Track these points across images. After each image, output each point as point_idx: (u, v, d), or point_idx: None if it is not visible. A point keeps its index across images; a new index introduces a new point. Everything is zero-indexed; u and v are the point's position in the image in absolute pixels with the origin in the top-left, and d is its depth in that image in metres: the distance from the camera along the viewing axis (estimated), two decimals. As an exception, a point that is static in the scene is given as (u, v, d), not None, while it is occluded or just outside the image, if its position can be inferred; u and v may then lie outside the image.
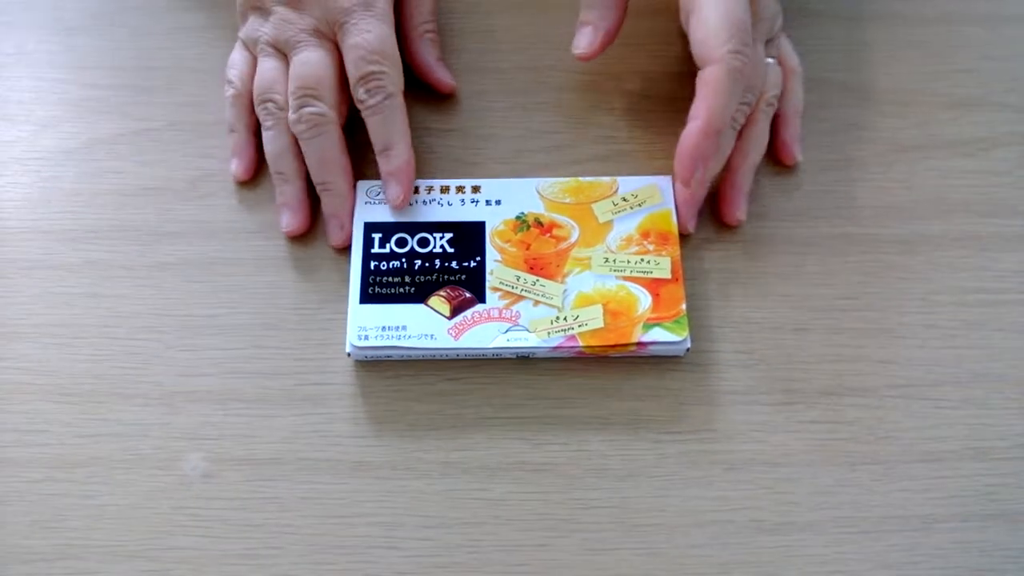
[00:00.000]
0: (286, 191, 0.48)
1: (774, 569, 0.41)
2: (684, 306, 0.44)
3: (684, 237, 0.47)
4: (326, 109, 0.47)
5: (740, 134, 0.47)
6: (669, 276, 0.45)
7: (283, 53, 0.48)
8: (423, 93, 0.52)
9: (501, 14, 0.55)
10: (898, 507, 0.42)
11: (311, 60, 0.47)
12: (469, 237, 0.46)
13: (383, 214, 0.47)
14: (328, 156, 0.47)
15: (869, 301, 0.46)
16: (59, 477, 0.43)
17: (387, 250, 0.46)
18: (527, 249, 0.46)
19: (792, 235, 0.48)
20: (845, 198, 0.49)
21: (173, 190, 0.50)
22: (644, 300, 0.44)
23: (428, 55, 0.51)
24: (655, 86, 0.52)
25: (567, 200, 0.47)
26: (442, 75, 0.51)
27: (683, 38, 0.50)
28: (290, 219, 0.48)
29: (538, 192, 0.47)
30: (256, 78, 0.49)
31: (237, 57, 0.51)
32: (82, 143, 0.51)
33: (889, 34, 0.54)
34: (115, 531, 0.42)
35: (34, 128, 0.52)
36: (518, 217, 0.47)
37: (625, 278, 0.45)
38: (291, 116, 0.47)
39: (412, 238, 0.46)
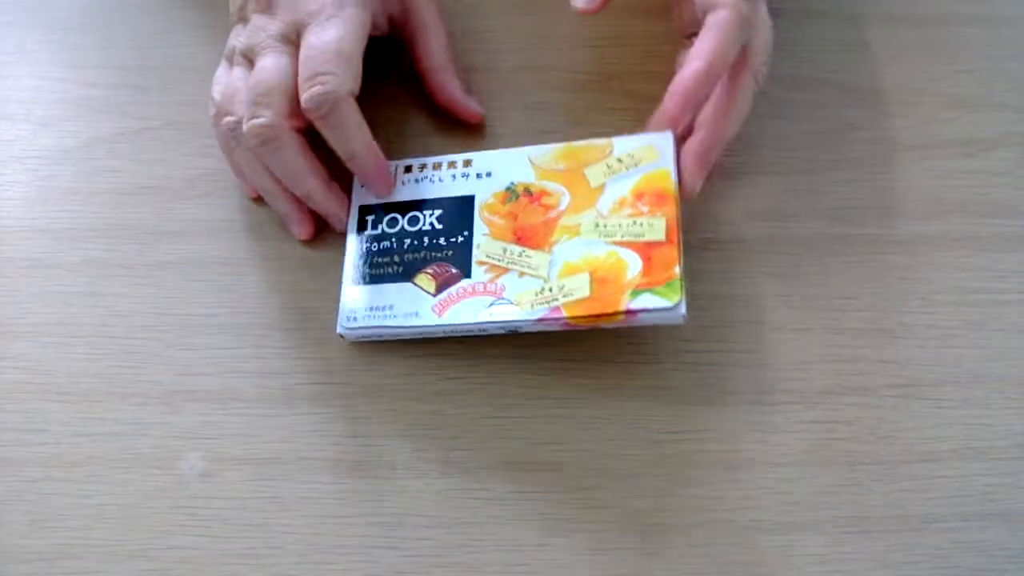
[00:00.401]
0: (279, 206, 0.47)
1: (773, 569, 0.41)
2: (678, 269, 0.41)
3: (687, 232, 0.46)
4: (274, 118, 0.44)
5: (726, 96, 0.45)
6: (663, 238, 0.42)
7: (252, 61, 0.46)
8: (422, 91, 0.52)
9: (501, 14, 0.55)
10: (897, 507, 0.42)
11: (267, 66, 0.45)
12: (458, 212, 0.45)
13: (375, 195, 0.47)
14: (291, 168, 0.45)
15: (869, 301, 0.46)
16: (57, 476, 0.43)
17: (379, 231, 0.46)
18: (515, 220, 0.45)
19: (792, 235, 0.48)
20: (845, 198, 0.49)
21: (171, 189, 0.49)
22: (634, 265, 0.42)
23: (452, 89, 0.50)
24: (655, 86, 0.52)
25: (559, 167, 0.46)
26: (469, 108, 0.50)
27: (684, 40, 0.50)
28: (299, 229, 0.47)
29: (530, 161, 0.46)
30: (222, 90, 0.47)
31: (220, 73, 0.48)
32: (81, 142, 0.51)
33: (889, 34, 0.54)
34: (114, 530, 0.42)
35: (33, 127, 0.51)
36: (508, 188, 0.46)
37: (616, 243, 0.43)
38: (244, 128, 0.44)
39: (403, 217, 0.46)
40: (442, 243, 0.45)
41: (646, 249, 0.42)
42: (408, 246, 0.45)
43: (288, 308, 0.46)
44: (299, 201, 0.47)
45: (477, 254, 0.44)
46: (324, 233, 0.48)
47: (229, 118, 0.45)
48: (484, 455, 0.43)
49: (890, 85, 0.52)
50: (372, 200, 0.47)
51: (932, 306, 0.46)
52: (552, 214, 0.44)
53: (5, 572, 0.41)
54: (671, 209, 0.43)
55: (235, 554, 0.42)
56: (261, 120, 0.44)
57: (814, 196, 0.49)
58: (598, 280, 0.42)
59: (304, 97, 0.43)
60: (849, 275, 0.47)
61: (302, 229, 0.47)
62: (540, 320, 0.42)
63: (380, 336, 0.44)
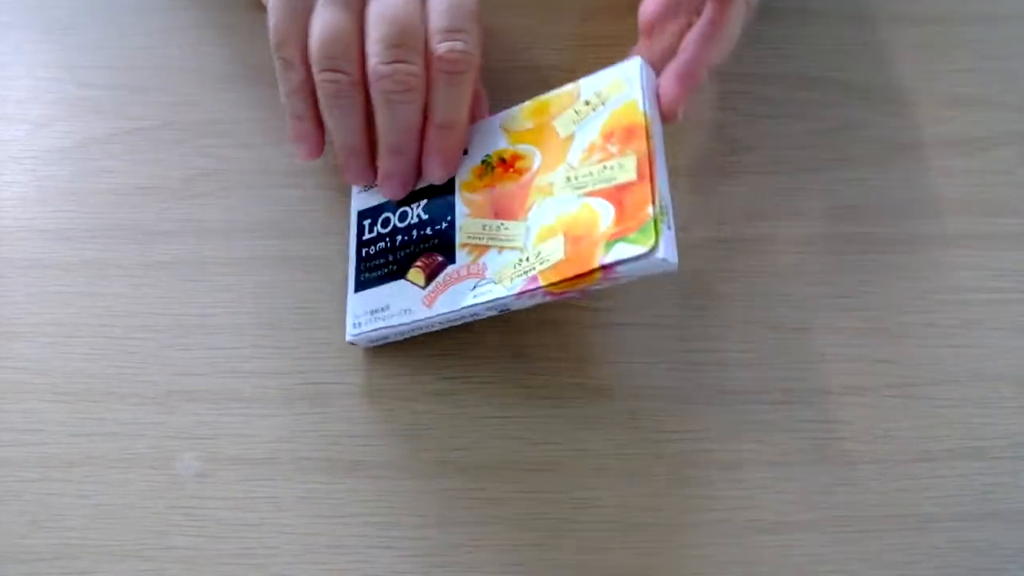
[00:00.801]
0: (359, 161, 0.44)
1: (771, 569, 0.41)
2: (651, 208, 0.37)
3: (687, 229, 0.46)
4: (419, 68, 0.39)
5: (713, 18, 0.43)
6: (634, 177, 0.38)
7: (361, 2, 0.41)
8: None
9: (501, 14, 0.54)
10: (896, 506, 0.42)
11: (398, 3, 0.39)
12: (441, 198, 0.44)
13: (372, 198, 0.46)
14: (413, 124, 0.42)
15: (868, 300, 0.46)
16: (55, 476, 0.43)
17: (374, 233, 0.45)
18: (492, 193, 0.42)
19: (792, 235, 0.48)
20: (844, 197, 0.49)
21: (169, 189, 0.49)
22: (607, 215, 0.38)
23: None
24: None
25: (529, 125, 0.42)
26: None
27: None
28: (367, 179, 0.45)
29: (501, 128, 0.44)
30: (316, 34, 0.40)
31: (287, 23, 0.41)
32: (77, 142, 0.51)
33: (889, 33, 0.53)
34: (111, 531, 0.42)
35: (30, 127, 0.51)
36: (483, 161, 0.43)
37: (588, 194, 0.39)
38: (379, 68, 0.39)
39: (394, 215, 0.45)
40: (428, 233, 0.43)
41: (618, 194, 0.38)
42: (400, 243, 0.44)
43: (286, 308, 0.46)
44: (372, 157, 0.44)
45: (460, 237, 0.42)
46: (322, 233, 0.48)
47: (340, 76, 0.40)
48: (482, 455, 0.43)
49: (890, 84, 0.52)
50: (370, 203, 0.46)
51: (931, 305, 0.46)
52: (526, 178, 0.41)
53: (3, 572, 0.41)
54: (641, 143, 0.39)
55: (232, 554, 0.41)
56: (412, 68, 0.39)
57: (814, 196, 0.49)
58: (572, 239, 0.38)
59: (446, 46, 0.39)
60: (849, 275, 0.47)
61: (360, 176, 0.45)
62: (520, 294, 0.39)
63: (387, 337, 0.44)
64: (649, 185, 0.38)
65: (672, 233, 0.38)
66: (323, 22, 0.40)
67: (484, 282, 0.40)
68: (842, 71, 0.52)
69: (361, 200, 0.47)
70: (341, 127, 0.42)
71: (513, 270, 0.40)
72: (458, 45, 0.39)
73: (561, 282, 0.38)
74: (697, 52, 0.42)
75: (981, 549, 0.41)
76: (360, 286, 0.44)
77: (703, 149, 0.50)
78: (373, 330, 0.43)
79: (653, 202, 0.37)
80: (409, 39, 0.40)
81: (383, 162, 0.43)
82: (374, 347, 0.45)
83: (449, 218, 0.43)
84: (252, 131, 0.50)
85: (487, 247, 0.41)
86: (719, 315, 0.46)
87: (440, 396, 0.44)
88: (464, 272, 0.41)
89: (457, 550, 0.41)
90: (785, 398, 0.44)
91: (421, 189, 0.45)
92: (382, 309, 0.43)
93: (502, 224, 0.41)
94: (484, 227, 0.41)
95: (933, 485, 0.42)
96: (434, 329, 0.43)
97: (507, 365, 0.45)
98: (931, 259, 0.47)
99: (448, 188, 0.44)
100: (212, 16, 0.54)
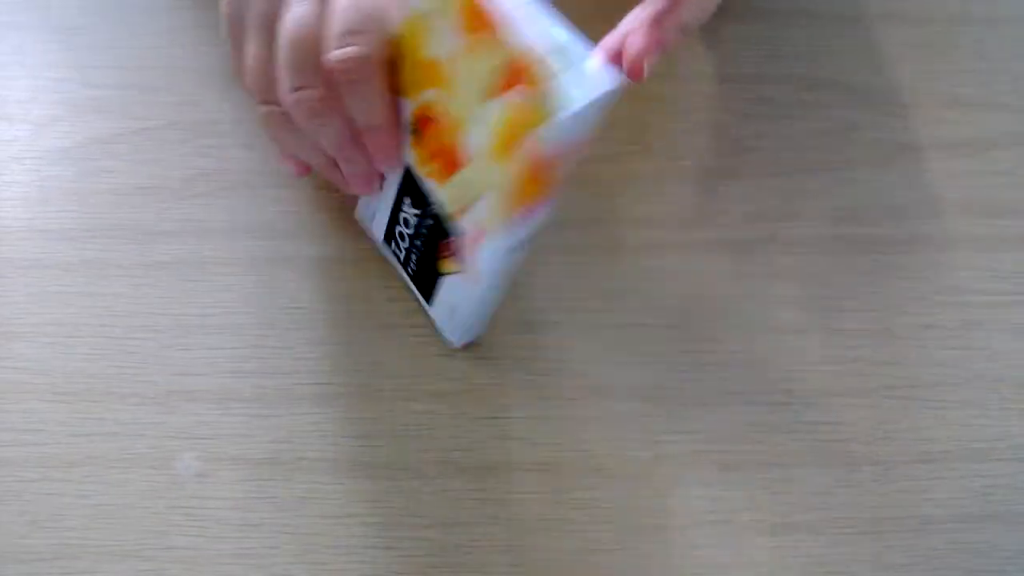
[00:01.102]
0: (337, 178, 0.44)
1: (771, 570, 0.41)
2: (534, 66, 0.33)
3: (686, 230, 0.46)
4: (319, 89, 0.39)
5: None
6: (505, 51, 0.34)
7: (270, 25, 0.40)
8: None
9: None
10: (896, 508, 0.42)
11: (295, 17, 0.39)
12: (413, 186, 0.42)
13: (378, 222, 0.46)
14: (344, 136, 0.41)
15: (868, 301, 0.46)
16: (55, 477, 0.43)
17: (403, 252, 0.45)
18: (437, 152, 0.39)
19: (792, 235, 0.48)
20: (845, 198, 0.49)
21: (169, 189, 0.49)
22: (515, 102, 0.35)
23: None
24: (655, 85, 0.52)
25: (414, 73, 0.39)
26: None
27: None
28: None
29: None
30: (246, 69, 0.41)
31: (235, 56, 0.42)
32: (79, 142, 0.51)
33: (889, 34, 0.53)
34: (111, 531, 0.42)
35: (31, 127, 0.51)
36: (411, 132, 0.40)
37: (489, 95, 0.35)
38: (286, 98, 0.39)
39: (402, 226, 0.44)
40: (430, 222, 0.42)
41: (508, 74, 0.34)
42: (421, 246, 0.43)
43: (286, 308, 0.46)
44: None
45: (446, 209, 0.41)
46: (322, 233, 0.48)
47: (271, 107, 0.41)
48: (482, 455, 0.43)
49: (890, 85, 0.52)
50: (382, 228, 0.45)
51: (931, 306, 0.46)
52: (444, 120, 0.38)
53: (3, 572, 0.41)
54: (486, 15, 0.34)
55: (231, 554, 0.41)
56: (311, 92, 0.39)
57: (814, 196, 0.49)
58: (512, 143, 0.35)
59: (336, 56, 0.37)
60: (849, 275, 0.47)
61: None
62: (516, 225, 0.38)
63: (480, 320, 0.45)
64: (518, 49, 0.34)
65: (581, 68, 0.34)
66: (248, 56, 0.40)
67: (490, 234, 0.39)
68: (842, 72, 0.52)
69: (375, 226, 0.46)
70: (305, 151, 0.43)
71: (498, 207, 0.38)
72: (351, 51, 0.37)
73: (531, 191, 0.36)
74: (666, 4, 0.40)
75: (981, 551, 0.41)
76: (429, 299, 0.45)
77: (703, 149, 0.50)
78: (467, 326, 0.44)
79: (532, 61, 0.33)
80: (309, 61, 0.38)
81: (343, 170, 0.43)
82: (371, 347, 0.45)
83: (430, 199, 0.41)
84: (253, 131, 0.50)
85: (469, 201, 0.39)
86: (719, 315, 0.46)
87: (440, 396, 0.44)
88: (472, 235, 0.40)
89: (457, 550, 0.41)
90: (785, 399, 0.44)
91: (400, 189, 0.43)
92: (453, 307, 0.44)
93: (460, 175, 0.39)
94: (453, 187, 0.40)
95: (933, 487, 0.42)
96: (505, 292, 0.42)
97: (507, 365, 0.45)
98: (931, 260, 0.47)
99: (409, 176, 0.42)
100: (213, 16, 0.54)
